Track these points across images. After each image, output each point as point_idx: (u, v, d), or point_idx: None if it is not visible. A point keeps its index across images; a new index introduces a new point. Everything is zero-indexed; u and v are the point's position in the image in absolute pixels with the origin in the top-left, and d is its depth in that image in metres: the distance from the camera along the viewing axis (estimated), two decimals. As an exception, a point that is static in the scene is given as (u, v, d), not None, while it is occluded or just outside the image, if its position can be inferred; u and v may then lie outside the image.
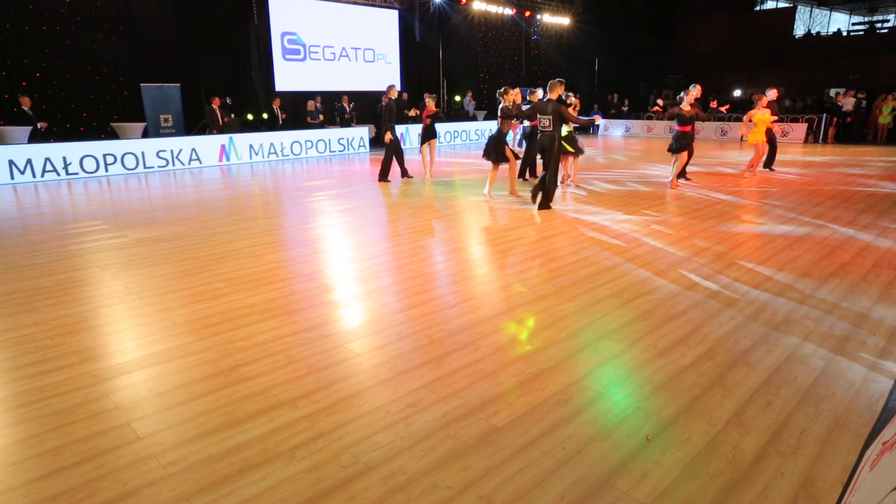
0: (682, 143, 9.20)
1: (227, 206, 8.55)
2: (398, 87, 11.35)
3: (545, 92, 7.86)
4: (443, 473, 2.38)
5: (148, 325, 3.99)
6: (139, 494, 2.27)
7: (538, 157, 8.86)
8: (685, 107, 9.12)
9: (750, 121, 10.50)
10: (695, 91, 9.36)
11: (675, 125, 9.32)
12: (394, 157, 10.72)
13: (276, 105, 15.66)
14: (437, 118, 11.18)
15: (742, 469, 2.38)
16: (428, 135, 11.08)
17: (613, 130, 21.99)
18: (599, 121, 9.23)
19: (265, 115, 15.91)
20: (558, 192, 8.87)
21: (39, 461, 2.49)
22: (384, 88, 10.82)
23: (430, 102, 11.13)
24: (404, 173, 11.03)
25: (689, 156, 9.52)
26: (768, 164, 11.54)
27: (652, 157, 14.66)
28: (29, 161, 11.01)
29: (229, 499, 2.24)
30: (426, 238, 6.49)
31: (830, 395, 2.95)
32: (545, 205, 7.80)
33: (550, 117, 7.57)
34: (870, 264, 5.20)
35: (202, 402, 2.95)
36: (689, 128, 9.15)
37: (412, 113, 13.56)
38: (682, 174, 9.96)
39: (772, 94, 10.73)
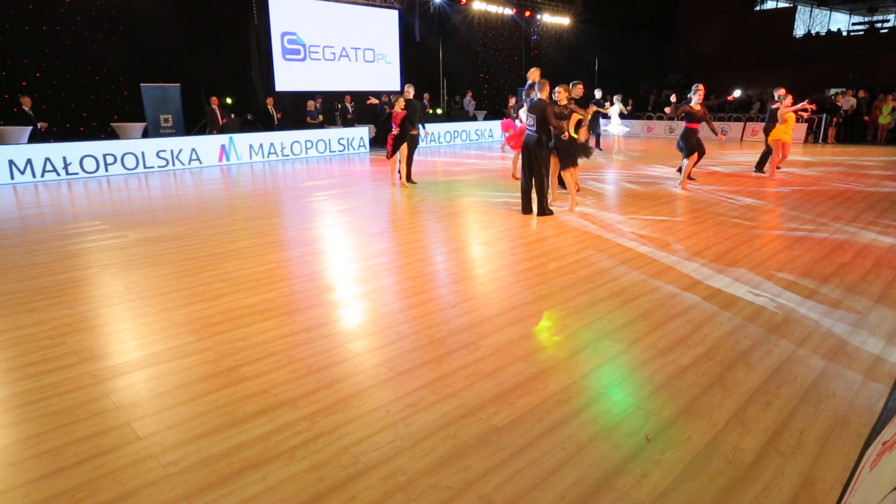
0: (690, 142, 9.21)
1: (227, 206, 8.55)
2: (399, 88, 11.23)
3: (534, 90, 7.36)
4: (443, 473, 2.38)
5: (148, 325, 3.99)
6: (139, 494, 2.27)
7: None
8: (695, 105, 9.16)
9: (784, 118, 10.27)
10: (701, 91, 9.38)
11: (683, 123, 9.39)
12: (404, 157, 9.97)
13: (269, 104, 15.62)
14: (409, 125, 9.51)
15: (742, 469, 2.38)
16: (399, 141, 9.63)
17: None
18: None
19: (250, 116, 15.83)
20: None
21: (39, 461, 2.48)
22: (384, 88, 10.47)
23: (399, 103, 9.43)
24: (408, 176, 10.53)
25: (700, 156, 9.48)
26: (760, 166, 11.35)
27: (652, 157, 14.65)
28: (29, 161, 11.00)
29: (229, 499, 2.24)
30: (426, 238, 6.49)
31: (830, 395, 2.95)
32: (542, 211, 7.43)
33: (535, 117, 7.04)
34: (870, 264, 5.20)
35: (202, 402, 2.95)
36: (697, 125, 9.19)
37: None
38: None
39: (779, 92, 10.69)
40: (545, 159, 7.26)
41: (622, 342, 3.62)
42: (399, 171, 10.09)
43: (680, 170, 9.92)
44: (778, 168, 10.92)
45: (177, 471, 2.41)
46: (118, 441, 2.62)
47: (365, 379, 3.19)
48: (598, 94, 14.74)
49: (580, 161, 8.16)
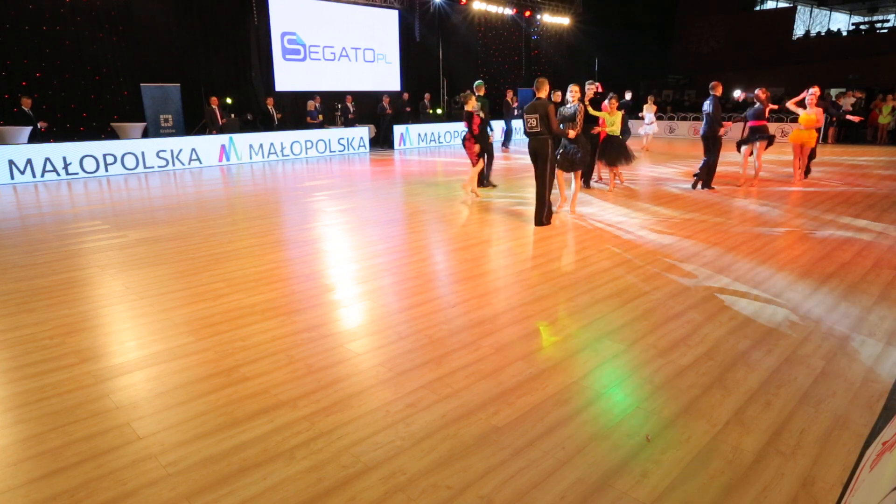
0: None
1: (227, 206, 8.55)
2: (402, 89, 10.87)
3: (535, 90, 6.95)
4: (443, 473, 2.38)
5: (148, 325, 3.99)
6: (139, 494, 2.27)
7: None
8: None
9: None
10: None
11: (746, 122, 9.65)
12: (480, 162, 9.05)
13: (269, 104, 15.62)
14: (487, 128, 8.96)
15: (742, 469, 2.38)
16: (482, 145, 8.91)
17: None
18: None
19: (249, 116, 15.81)
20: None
21: (39, 461, 2.48)
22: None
23: (471, 103, 8.65)
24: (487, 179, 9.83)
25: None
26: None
27: (654, 157, 14.66)
28: (29, 161, 11.01)
29: (229, 499, 2.24)
30: (426, 238, 6.49)
31: (830, 395, 2.95)
32: (539, 220, 6.94)
33: (537, 116, 6.66)
34: (870, 264, 5.20)
35: (202, 402, 2.95)
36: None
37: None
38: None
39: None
40: (552, 160, 6.82)
41: (622, 342, 3.62)
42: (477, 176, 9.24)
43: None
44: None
45: (177, 471, 2.41)
46: (118, 441, 2.62)
47: (365, 379, 3.19)
48: (628, 96, 14.69)
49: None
